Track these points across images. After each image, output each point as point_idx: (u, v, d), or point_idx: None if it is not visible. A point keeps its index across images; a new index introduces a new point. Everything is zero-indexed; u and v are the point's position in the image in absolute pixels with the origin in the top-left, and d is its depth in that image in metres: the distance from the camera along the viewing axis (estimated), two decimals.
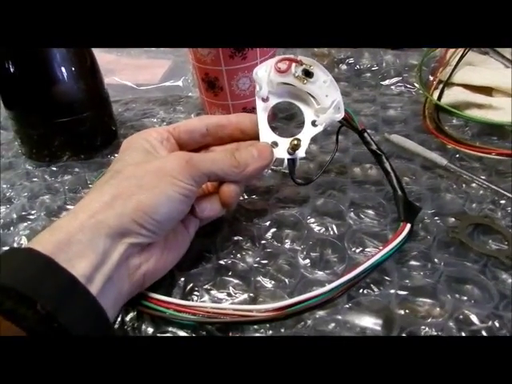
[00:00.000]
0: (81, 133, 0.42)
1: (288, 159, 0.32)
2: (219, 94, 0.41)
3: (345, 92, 0.51)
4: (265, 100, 0.32)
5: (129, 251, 0.25)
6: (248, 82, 0.40)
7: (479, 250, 0.29)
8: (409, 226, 0.29)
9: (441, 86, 0.47)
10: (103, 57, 0.55)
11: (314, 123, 0.32)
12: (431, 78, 0.48)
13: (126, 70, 0.52)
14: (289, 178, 0.33)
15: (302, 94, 0.32)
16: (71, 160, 0.43)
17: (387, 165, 0.32)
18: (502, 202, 0.33)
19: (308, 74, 0.31)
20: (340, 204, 0.34)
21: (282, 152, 0.31)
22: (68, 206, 0.37)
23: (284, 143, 0.32)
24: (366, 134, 0.33)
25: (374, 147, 0.33)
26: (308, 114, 0.32)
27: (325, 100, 0.31)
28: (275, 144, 0.32)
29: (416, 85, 0.50)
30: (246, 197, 0.36)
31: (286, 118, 0.46)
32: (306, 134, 0.32)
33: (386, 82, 0.51)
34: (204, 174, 0.27)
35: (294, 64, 0.31)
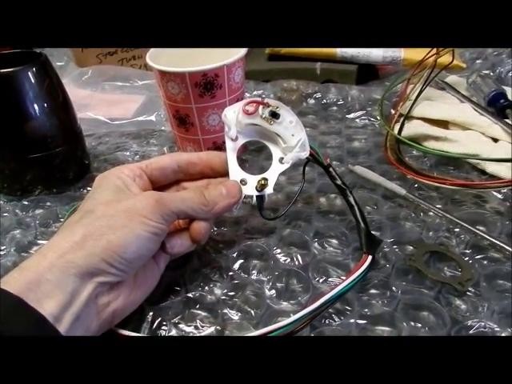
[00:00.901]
0: (53, 167, 0.42)
1: (257, 196, 0.33)
2: (190, 130, 0.43)
3: (312, 125, 0.53)
4: (234, 140, 0.34)
5: (98, 290, 0.25)
6: (218, 118, 0.42)
7: (434, 278, 0.30)
8: (370, 257, 0.31)
9: (401, 119, 0.50)
10: (78, 92, 0.57)
11: (281, 160, 0.34)
12: (393, 112, 0.51)
13: (100, 105, 0.53)
14: (257, 209, 0.34)
15: (270, 134, 0.34)
16: (43, 194, 0.43)
17: (351, 198, 0.34)
18: (457, 229, 0.35)
19: (274, 115, 0.33)
20: (305, 234, 0.35)
21: (250, 189, 0.33)
22: (39, 241, 0.37)
23: (253, 181, 0.33)
24: (331, 169, 0.35)
25: (338, 182, 0.35)
26: (275, 152, 0.34)
27: (291, 139, 0.33)
28: (244, 181, 0.33)
29: (378, 118, 0.53)
30: (215, 228, 0.37)
31: (255, 151, 0.48)
32: (274, 171, 0.34)
33: (351, 116, 0.54)
34: (174, 213, 0.29)
35: (261, 106, 0.33)
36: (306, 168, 0.37)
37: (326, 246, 0.35)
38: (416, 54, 0.56)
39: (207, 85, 0.39)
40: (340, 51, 0.61)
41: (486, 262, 0.32)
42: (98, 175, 0.31)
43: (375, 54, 0.60)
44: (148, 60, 0.41)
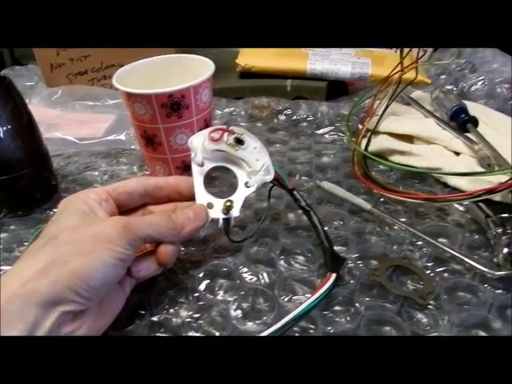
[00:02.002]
0: (19, 190, 0.42)
1: (223, 219, 0.34)
2: (158, 149, 0.43)
3: (283, 141, 0.54)
4: (200, 165, 0.35)
5: (61, 319, 0.25)
6: (185, 137, 0.42)
7: (396, 292, 0.31)
8: (334, 275, 0.31)
9: (368, 134, 0.51)
10: (47, 112, 0.56)
11: (246, 184, 0.35)
12: (360, 127, 0.53)
13: (69, 125, 0.53)
14: (224, 232, 0.34)
15: (235, 159, 0.35)
16: (8, 217, 0.42)
17: (315, 219, 0.35)
18: (420, 243, 0.36)
19: (239, 141, 0.35)
20: (272, 251, 0.36)
21: (217, 212, 0.34)
22: (2, 267, 0.37)
23: (219, 204, 0.34)
24: (295, 192, 0.36)
25: (303, 204, 0.35)
26: (241, 176, 0.36)
27: (255, 164, 0.35)
28: (210, 205, 0.34)
29: (345, 133, 0.54)
30: (183, 248, 0.37)
31: (226, 168, 0.48)
32: (240, 195, 0.35)
33: (321, 131, 0.55)
34: (141, 238, 0.29)
35: (226, 133, 0.34)
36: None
37: (293, 262, 0.35)
38: (383, 70, 0.58)
39: (174, 105, 0.40)
40: (310, 68, 0.62)
41: (446, 275, 0.33)
42: (66, 196, 0.31)
43: (343, 70, 0.62)
44: (114, 82, 0.41)
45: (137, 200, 0.34)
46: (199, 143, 0.35)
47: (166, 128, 0.41)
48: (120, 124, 0.53)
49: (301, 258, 0.35)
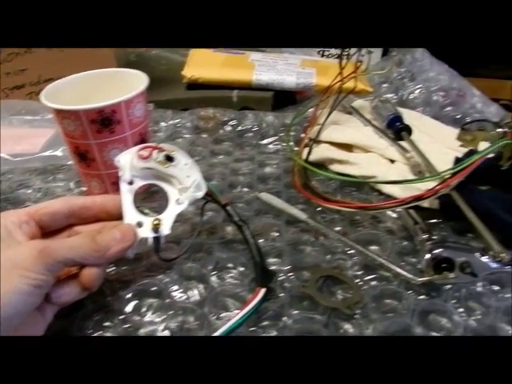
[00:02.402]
0: None
1: (153, 237, 0.33)
2: (92, 165, 0.42)
3: (227, 152, 0.54)
4: (129, 183, 0.34)
5: None
6: (120, 152, 0.40)
7: (324, 303, 0.31)
8: (263, 290, 0.31)
9: (311, 143, 0.51)
10: None
11: (177, 201, 0.35)
12: (303, 136, 0.53)
13: (4, 142, 0.50)
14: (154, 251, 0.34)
15: (165, 176, 0.35)
16: None
17: (247, 233, 0.35)
18: (351, 251, 0.37)
19: (169, 158, 0.34)
20: (205, 267, 0.35)
21: (146, 231, 0.33)
22: None
23: (149, 222, 0.33)
24: (228, 208, 0.36)
25: (235, 219, 0.35)
26: (172, 193, 0.35)
27: (186, 180, 0.34)
28: (140, 224, 0.33)
29: (291, 143, 0.55)
30: (113, 267, 0.36)
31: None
32: (171, 212, 0.34)
33: (265, 141, 0.55)
34: (59, 262, 0.27)
35: (155, 151, 0.34)
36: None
37: (226, 277, 0.35)
38: (327, 79, 0.59)
39: (104, 121, 0.39)
40: (255, 79, 0.63)
41: (375, 283, 0.33)
42: None
43: (289, 80, 0.63)
44: (42, 98, 0.40)
45: (61, 221, 0.33)
46: (127, 161, 0.34)
47: (98, 144, 0.40)
48: (58, 139, 0.52)
49: (234, 272, 0.35)
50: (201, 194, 0.35)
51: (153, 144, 0.35)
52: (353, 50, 0.53)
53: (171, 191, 0.35)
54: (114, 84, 0.44)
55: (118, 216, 0.33)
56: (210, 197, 0.36)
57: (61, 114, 0.39)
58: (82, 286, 0.30)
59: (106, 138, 0.40)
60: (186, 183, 0.34)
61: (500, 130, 0.38)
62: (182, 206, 0.34)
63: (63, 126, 0.40)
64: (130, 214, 0.33)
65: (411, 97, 0.61)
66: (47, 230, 0.32)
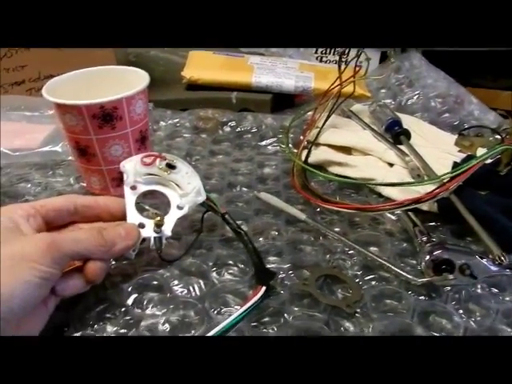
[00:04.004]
0: None
1: (155, 237, 0.34)
2: (92, 160, 0.42)
3: (226, 152, 0.54)
4: (133, 188, 0.35)
5: None
6: (120, 148, 0.41)
7: (324, 301, 0.31)
8: (264, 288, 0.31)
9: (310, 145, 0.52)
10: None
11: (178, 206, 0.36)
12: (302, 138, 0.54)
13: (3, 136, 0.50)
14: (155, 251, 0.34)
15: (167, 182, 0.37)
16: None
17: (246, 239, 0.35)
18: (351, 252, 0.37)
19: (171, 166, 0.37)
20: (205, 263, 0.35)
21: (148, 231, 0.34)
22: None
23: (150, 224, 0.34)
24: (227, 216, 0.36)
25: (234, 226, 0.36)
26: (173, 198, 0.37)
27: (187, 186, 0.36)
28: (142, 225, 0.34)
29: (290, 145, 0.55)
30: (114, 262, 0.36)
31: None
32: (172, 216, 0.35)
33: (264, 143, 0.56)
34: (67, 256, 0.28)
35: (158, 159, 0.36)
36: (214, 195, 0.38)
37: (226, 274, 0.35)
38: (326, 84, 0.60)
39: (106, 117, 0.39)
40: (255, 81, 0.63)
41: (374, 283, 0.34)
42: None
43: (287, 83, 0.63)
44: (44, 92, 0.40)
45: (66, 217, 0.33)
46: (132, 167, 0.36)
47: (99, 139, 0.40)
48: (58, 134, 0.51)
49: (234, 269, 0.35)
50: (201, 199, 0.36)
51: (156, 153, 0.37)
52: (351, 56, 0.54)
53: (173, 196, 0.37)
54: (115, 81, 0.44)
55: (121, 218, 0.34)
56: (210, 207, 0.37)
57: (62, 109, 0.39)
58: (86, 279, 0.30)
59: (108, 133, 0.40)
60: (186, 189, 0.36)
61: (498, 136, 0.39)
62: (183, 210, 0.36)
63: (64, 120, 0.40)
64: (133, 216, 0.34)
65: (409, 102, 0.62)
66: (52, 226, 0.32)
